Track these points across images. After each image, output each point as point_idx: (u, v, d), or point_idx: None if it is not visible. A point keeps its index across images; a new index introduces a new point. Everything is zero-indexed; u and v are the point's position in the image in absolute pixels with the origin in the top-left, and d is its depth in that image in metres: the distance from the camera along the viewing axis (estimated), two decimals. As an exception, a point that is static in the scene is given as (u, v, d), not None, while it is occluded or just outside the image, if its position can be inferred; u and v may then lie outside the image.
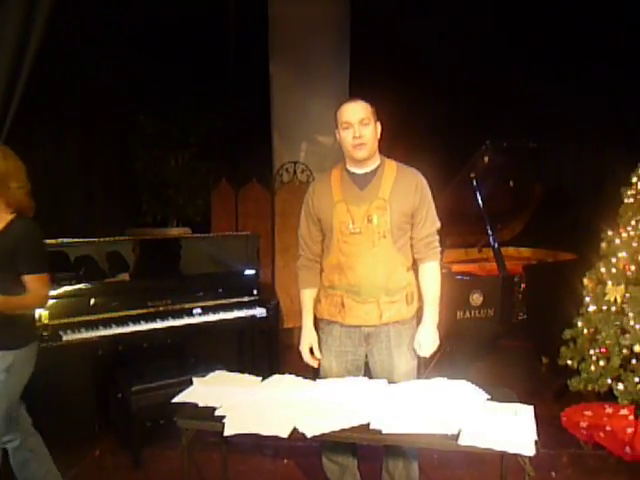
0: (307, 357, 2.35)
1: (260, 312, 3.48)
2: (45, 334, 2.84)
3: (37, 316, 2.87)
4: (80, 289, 3.09)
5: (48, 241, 3.06)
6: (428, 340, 2.24)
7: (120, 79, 5.29)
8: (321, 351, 2.35)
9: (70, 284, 3.07)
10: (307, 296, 2.38)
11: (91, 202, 5.31)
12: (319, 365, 2.36)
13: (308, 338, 2.35)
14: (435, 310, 2.26)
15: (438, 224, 2.29)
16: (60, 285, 3.03)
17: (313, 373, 2.67)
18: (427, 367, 3.20)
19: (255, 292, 3.61)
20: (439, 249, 2.30)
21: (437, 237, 2.29)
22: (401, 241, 2.21)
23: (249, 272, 3.67)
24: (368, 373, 2.32)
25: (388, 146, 2.30)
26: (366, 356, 2.31)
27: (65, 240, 3.15)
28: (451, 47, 5.38)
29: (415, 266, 2.30)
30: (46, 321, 2.89)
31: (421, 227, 2.23)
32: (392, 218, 2.15)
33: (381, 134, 2.23)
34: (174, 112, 5.52)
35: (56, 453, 2.93)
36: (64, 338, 2.86)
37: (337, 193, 2.21)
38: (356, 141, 2.14)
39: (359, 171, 2.23)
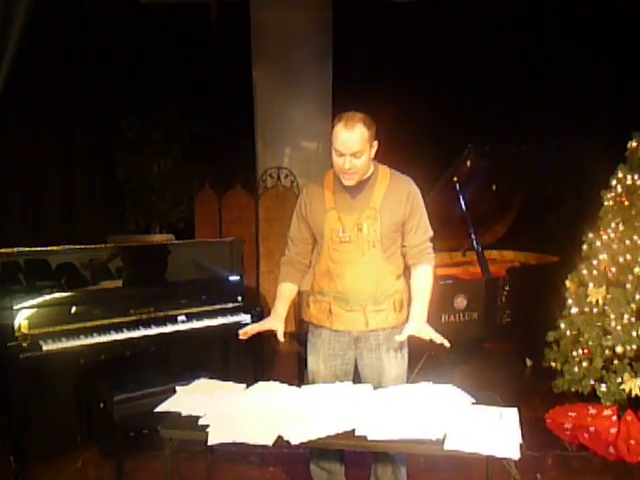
0: (251, 326, 2.26)
1: (245, 318, 3.45)
2: (25, 344, 2.78)
3: (17, 325, 2.83)
4: (61, 297, 3.04)
5: (29, 249, 3.04)
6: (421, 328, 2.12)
7: (102, 84, 5.26)
8: (310, 354, 2.34)
9: (51, 292, 3.01)
10: (284, 287, 2.32)
11: (73, 209, 5.25)
12: (302, 366, 2.36)
13: (274, 324, 2.22)
14: (424, 308, 2.20)
15: (430, 233, 2.28)
16: (41, 294, 2.97)
17: (298, 379, 2.67)
18: (412, 371, 3.20)
19: (239, 298, 3.58)
20: (433, 255, 2.28)
21: (430, 245, 2.28)
22: (391, 250, 2.20)
23: (233, 278, 3.64)
24: (357, 378, 2.32)
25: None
26: (355, 359, 2.30)
27: (46, 248, 3.10)
28: (434, 51, 5.42)
29: (407, 272, 2.28)
30: (26, 330, 2.83)
31: (413, 235, 2.23)
32: (382, 228, 2.15)
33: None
34: (156, 117, 5.48)
35: (38, 465, 2.90)
36: (44, 348, 2.80)
37: (330, 200, 2.21)
38: (345, 170, 2.10)
39: None
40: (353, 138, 2.04)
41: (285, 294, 2.33)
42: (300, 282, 2.37)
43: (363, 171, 2.13)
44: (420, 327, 2.13)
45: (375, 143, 2.15)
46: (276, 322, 2.25)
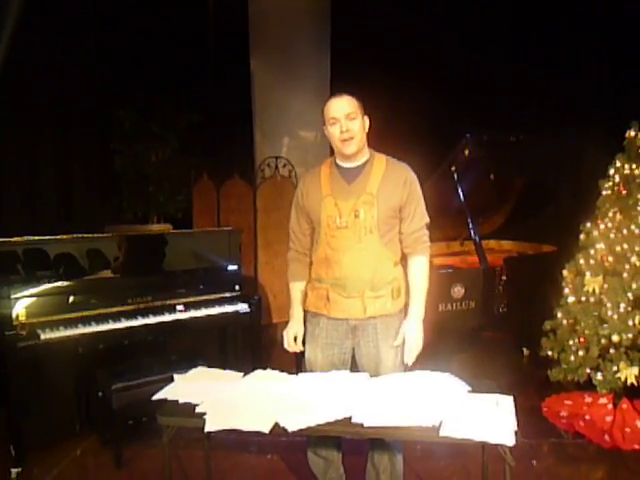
0: (290, 343, 2.36)
1: (242, 308, 3.47)
2: (23, 333, 2.79)
3: (15, 315, 2.83)
4: (59, 287, 3.04)
5: (27, 238, 3.04)
6: (413, 335, 2.21)
7: (100, 74, 5.23)
8: (307, 343, 2.35)
9: (49, 282, 3.02)
10: (296, 288, 2.39)
11: (70, 198, 5.25)
12: (298, 354, 2.38)
13: (294, 328, 2.37)
14: (421, 305, 2.25)
15: (427, 219, 2.29)
16: (39, 283, 2.98)
17: (296, 368, 2.67)
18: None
19: (237, 288, 3.59)
20: (428, 244, 2.29)
21: (426, 232, 2.29)
22: (388, 236, 2.21)
23: (231, 268, 3.65)
24: (354, 367, 2.32)
25: (372, 140, 2.29)
26: (353, 349, 2.31)
27: (44, 237, 3.10)
28: (432, 39, 5.40)
29: (404, 261, 2.29)
30: (24, 319, 2.84)
31: (410, 222, 2.23)
32: (379, 213, 2.15)
33: (369, 128, 2.22)
34: (154, 107, 5.46)
35: (37, 453, 2.92)
36: (42, 337, 2.81)
37: (326, 187, 2.21)
38: (344, 135, 2.13)
39: (348, 165, 2.22)
40: (344, 102, 2.15)
41: (297, 296, 2.39)
42: (308, 275, 2.37)
43: (360, 139, 2.17)
44: (410, 332, 2.21)
45: (366, 118, 2.21)
46: (296, 326, 2.37)
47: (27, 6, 3.75)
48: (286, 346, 2.37)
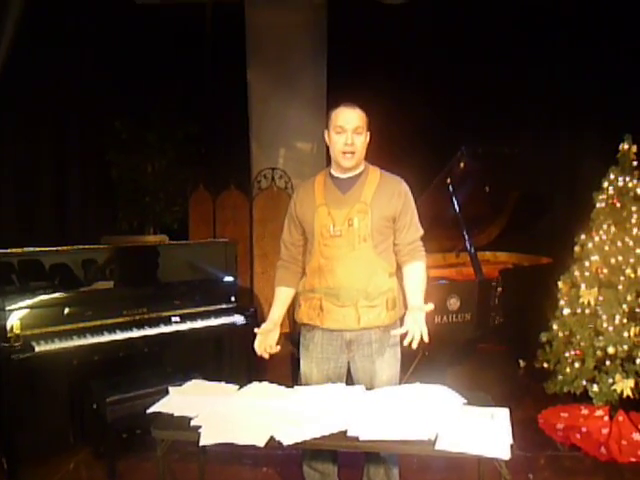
0: (257, 343, 2.27)
1: (238, 319, 3.46)
2: (17, 345, 2.77)
3: (9, 326, 2.82)
4: (54, 298, 3.03)
5: (22, 249, 3.03)
6: (417, 324, 2.06)
7: (96, 85, 5.25)
8: (302, 357, 2.34)
9: (44, 293, 3.00)
10: (280, 291, 2.37)
11: (66, 209, 5.24)
12: (294, 367, 2.37)
13: (265, 326, 2.29)
14: (421, 298, 2.18)
15: (421, 231, 2.30)
16: (34, 294, 2.96)
17: (292, 381, 2.67)
18: (406, 372, 3.21)
19: (233, 299, 3.58)
20: (424, 253, 2.31)
21: (421, 243, 2.30)
22: (382, 246, 2.21)
23: (227, 279, 3.65)
24: (350, 381, 2.32)
25: (369, 151, 2.30)
26: (348, 363, 2.30)
27: (39, 248, 3.09)
28: (428, 53, 5.44)
29: (399, 272, 2.29)
30: (18, 331, 2.83)
31: (405, 233, 2.24)
32: (373, 222, 2.16)
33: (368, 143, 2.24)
34: (151, 118, 5.47)
35: (30, 466, 2.89)
36: (37, 349, 2.79)
37: (320, 197, 2.22)
38: (347, 148, 2.14)
39: (342, 176, 2.24)
40: (355, 114, 2.17)
41: (280, 297, 2.37)
42: (297, 284, 2.36)
43: (360, 154, 2.19)
44: (414, 322, 2.07)
45: (368, 134, 2.22)
46: (269, 326, 2.29)
47: (25, 16, 3.76)
48: (260, 348, 2.27)
